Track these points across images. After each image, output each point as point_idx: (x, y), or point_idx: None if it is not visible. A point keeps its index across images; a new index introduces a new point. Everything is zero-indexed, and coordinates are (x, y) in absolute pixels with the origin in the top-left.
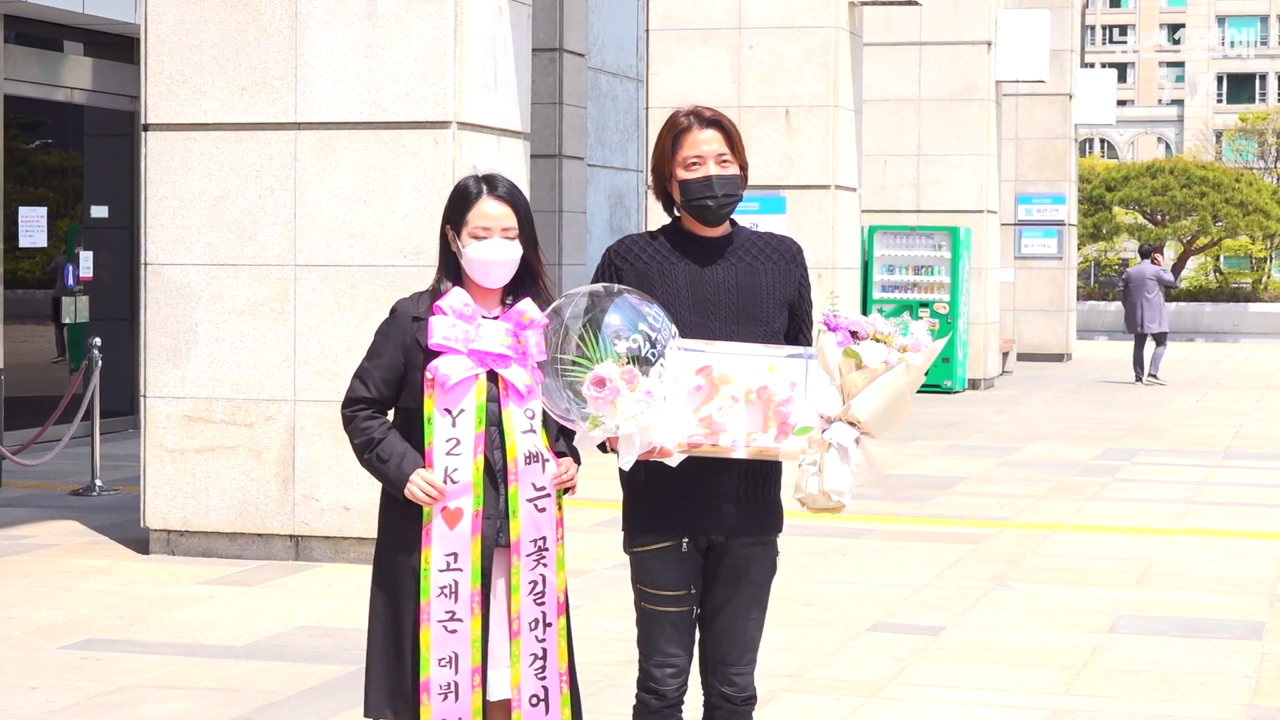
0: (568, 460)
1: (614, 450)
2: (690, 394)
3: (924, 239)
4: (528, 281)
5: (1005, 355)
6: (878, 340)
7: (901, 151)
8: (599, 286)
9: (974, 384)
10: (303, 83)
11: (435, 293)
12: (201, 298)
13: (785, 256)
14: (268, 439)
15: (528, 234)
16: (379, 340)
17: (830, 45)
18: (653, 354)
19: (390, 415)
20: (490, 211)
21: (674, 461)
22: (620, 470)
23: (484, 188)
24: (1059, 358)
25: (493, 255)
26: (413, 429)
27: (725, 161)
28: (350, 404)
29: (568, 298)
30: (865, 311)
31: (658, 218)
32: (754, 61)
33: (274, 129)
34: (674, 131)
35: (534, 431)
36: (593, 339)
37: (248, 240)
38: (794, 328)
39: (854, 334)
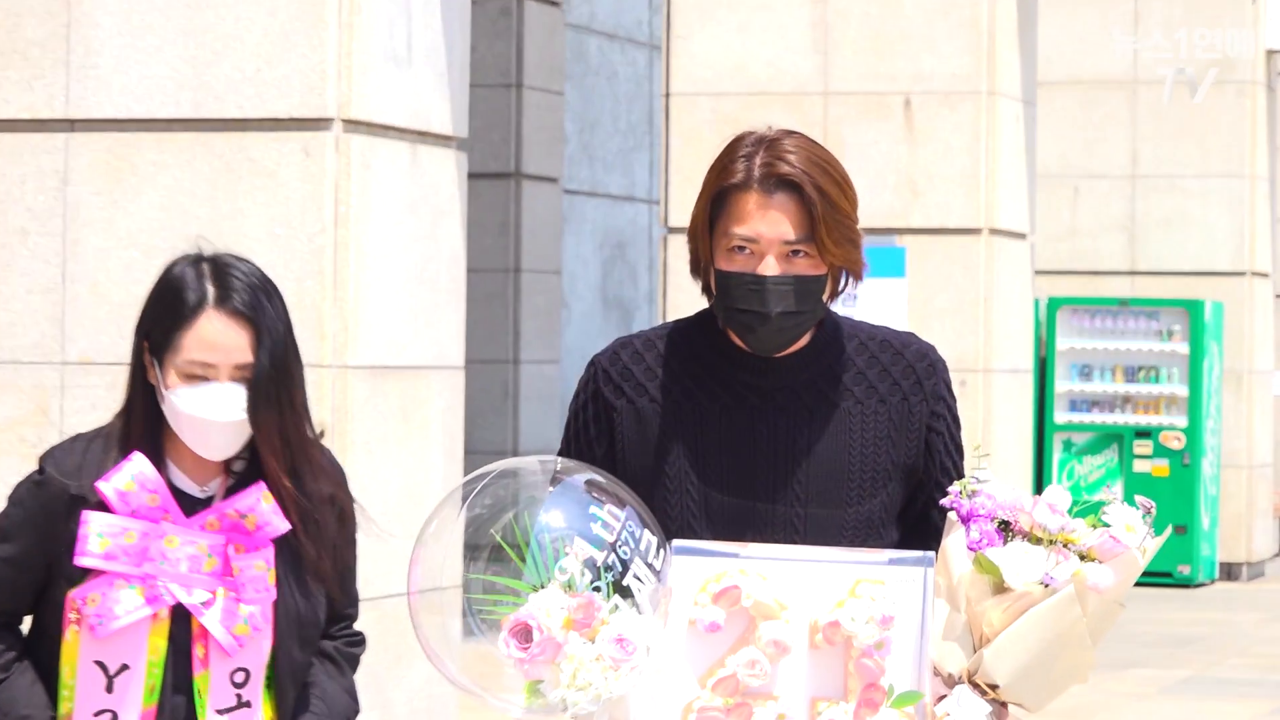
0: None
1: None
2: (702, 636)
3: (1144, 320)
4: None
5: None
6: (1040, 540)
7: (1104, 170)
8: (531, 461)
9: (1229, 571)
10: (79, 54)
11: (116, 441)
12: None
13: (905, 382)
14: None
15: (278, 376)
16: (7, 521)
17: None
18: (631, 570)
19: (26, 624)
20: (216, 338)
21: None
22: None
23: (210, 289)
24: None
25: (215, 414)
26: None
27: (798, 254)
28: None
29: (475, 479)
30: (1043, 458)
31: (687, 292)
32: (851, 18)
33: (29, 129)
34: (721, 182)
35: (247, 707)
36: (521, 548)
37: None
38: (919, 504)
39: (1005, 526)
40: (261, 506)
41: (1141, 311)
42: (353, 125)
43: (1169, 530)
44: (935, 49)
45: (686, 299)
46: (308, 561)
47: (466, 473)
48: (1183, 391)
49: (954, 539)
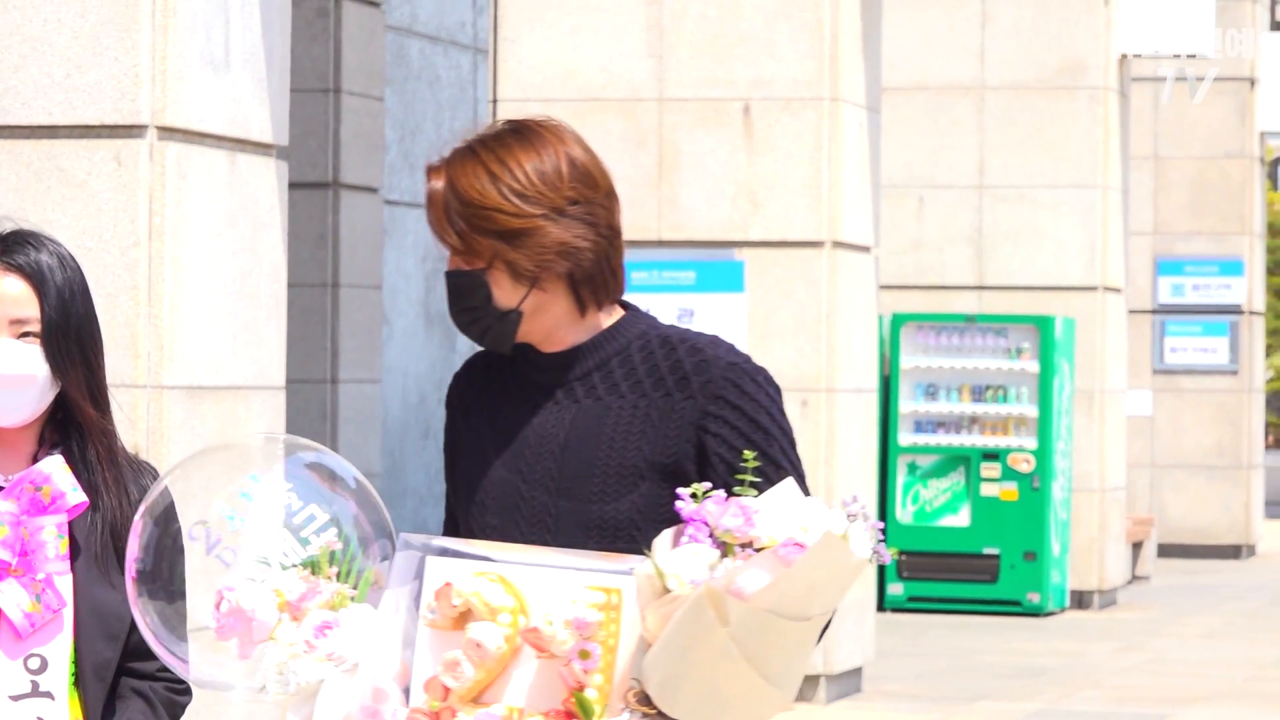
0: None
1: None
2: (444, 638)
3: (991, 338)
4: (69, 421)
5: (1137, 547)
6: (725, 540)
7: (951, 180)
8: (255, 437)
9: (1080, 599)
10: None
11: None
12: None
13: (672, 377)
14: None
15: (67, 334)
16: None
17: None
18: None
19: None
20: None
21: None
22: None
23: None
24: (1233, 551)
25: None
26: None
27: (457, 250)
28: None
29: (194, 458)
30: (887, 481)
31: None
32: (687, 20)
33: None
34: None
35: (47, 697)
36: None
37: None
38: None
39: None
40: (57, 477)
41: (989, 328)
42: (168, 132)
43: (877, 551)
44: (776, 53)
45: None
46: (116, 534)
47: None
48: (1032, 412)
49: (659, 544)
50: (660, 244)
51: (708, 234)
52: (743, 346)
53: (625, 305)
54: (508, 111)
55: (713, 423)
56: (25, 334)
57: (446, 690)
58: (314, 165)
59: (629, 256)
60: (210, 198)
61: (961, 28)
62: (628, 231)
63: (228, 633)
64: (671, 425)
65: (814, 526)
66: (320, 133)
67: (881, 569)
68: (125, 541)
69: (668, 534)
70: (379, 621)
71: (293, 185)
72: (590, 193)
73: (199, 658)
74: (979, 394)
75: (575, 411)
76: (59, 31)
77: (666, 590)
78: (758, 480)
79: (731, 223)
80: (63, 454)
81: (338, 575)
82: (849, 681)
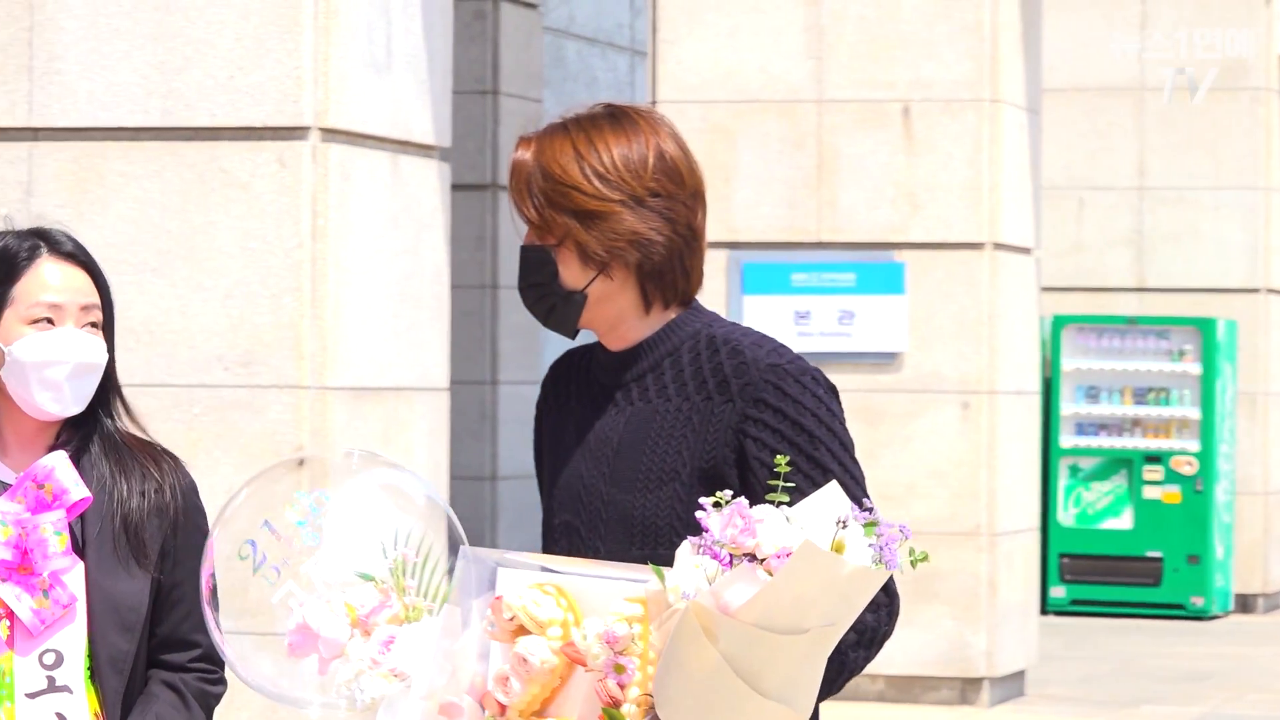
0: None
1: None
2: (502, 651)
3: (1153, 340)
4: (87, 414)
5: None
6: (734, 553)
7: (1111, 181)
8: (333, 453)
9: (1244, 603)
10: (42, 59)
11: None
12: None
13: (714, 379)
14: None
15: (112, 325)
16: None
17: None
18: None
19: None
20: (58, 280)
21: None
22: None
23: (40, 244)
24: None
25: (69, 354)
26: None
27: (533, 224)
28: None
29: (269, 471)
30: (1049, 484)
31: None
32: (847, 22)
33: None
34: None
35: (65, 691)
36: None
37: None
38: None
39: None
40: (59, 473)
41: (1151, 330)
42: (330, 134)
43: (893, 558)
44: (935, 54)
45: None
46: (129, 525)
47: (451, 499)
48: (1195, 414)
49: (680, 551)
50: (820, 246)
51: (867, 236)
52: (903, 348)
53: (688, 303)
54: (667, 113)
55: (752, 426)
56: (90, 324)
57: (502, 707)
58: (472, 167)
59: (789, 258)
60: (373, 199)
61: (1121, 29)
62: (788, 233)
63: (297, 649)
64: (711, 429)
65: (816, 535)
66: (479, 134)
67: (1044, 572)
68: (140, 531)
69: (688, 543)
70: (439, 635)
71: (452, 187)
72: (674, 188)
73: (276, 673)
74: (1141, 396)
75: (630, 414)
76: (222, 34)
77: (669, 604)
78: (790, 485)
79: (891, 224)
80: (78, 446)
81: (415, 590)
82: (1012, 685)
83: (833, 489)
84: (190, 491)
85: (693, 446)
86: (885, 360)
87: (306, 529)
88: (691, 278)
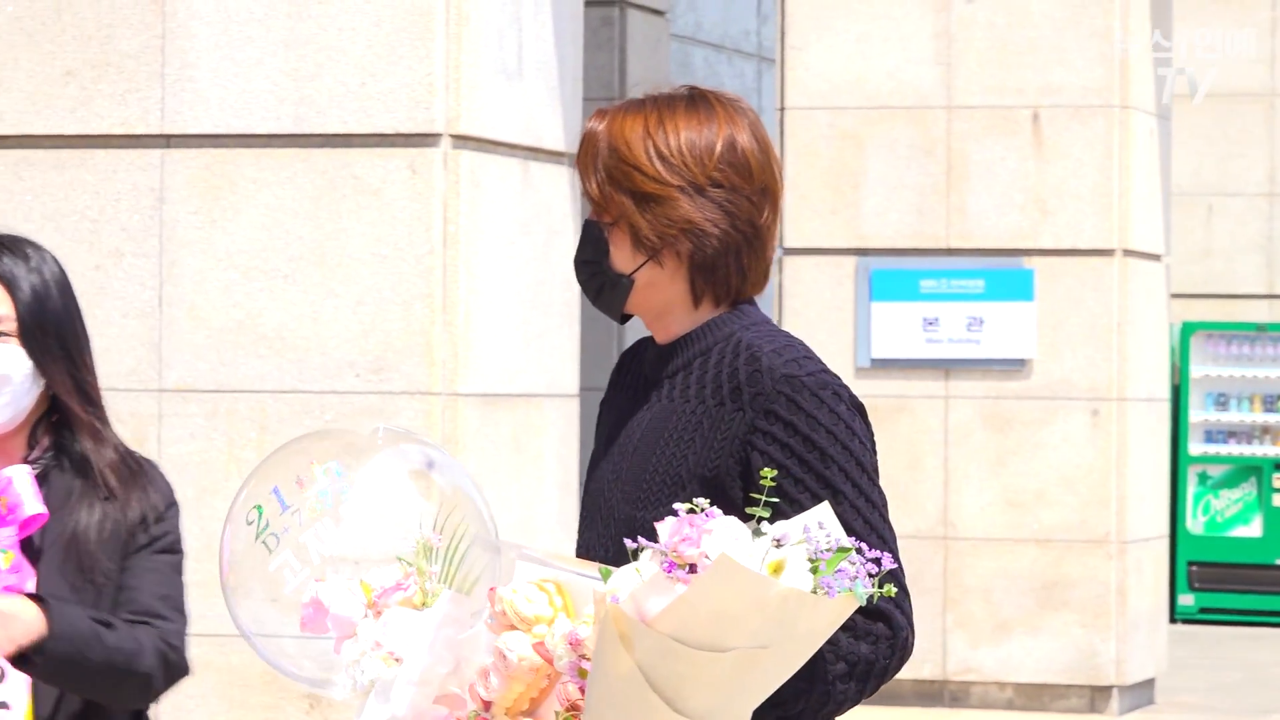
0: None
1: None
2: (465, 644)
3: None
4: (63, 422)
5: None
6: (677, 562)
7: (1241, 188)
8: (364, 429)
9: None
10: (174, 66)
11: None
12: None
13: (727, 385)
14: None
15: (45, 331)
16: None
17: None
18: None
19: None
20: None
21: None
22: None
23: None
24: None
25: None
26: None
27: (594, 199)
28: None
29: (295, 441)
30: (1177, 492)
31: (801, 314)
32: (976, 28)
33: (124, 145)
34: None
35: (4, 708)
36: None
37: None
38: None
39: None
40: (16, 485)
41: None
42: (461, 141)
43: (827, 587)
44: (1065, 60)
45: (802, 321)
46: (82, 548)
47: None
48: None
49: (643, 560)
50: (949, 252)
51: (996, 242)
52: (1032, 355)
53: (741, 304)
54: (796, 120)
55: (760, 439)
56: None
57: (486, 703)
58: None
59: (918, 264)
60: (503, 206)
61: (1251, 34)
62: (916, 239)
63: (308, 624)
64: (718, 438)
65: (746, 552)
66: None
67: (1172, 580)
68: (93, 556)
69: (648, 549)
70: (439, 623)
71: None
72: (739, 180)
73: (299, 653)
74: (1270, 404)
75: (655, 411)
76: (354, 40)
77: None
78: (774, 500)
79: (1020, 231)
80: (48, 464)
81: (439, 577)
82: (1141, 693)
83: (823, 510)
84: (160, 516)
85: (699, 453)
86: (1014, 367)
87: (328, 498)
88: (749, 277)
